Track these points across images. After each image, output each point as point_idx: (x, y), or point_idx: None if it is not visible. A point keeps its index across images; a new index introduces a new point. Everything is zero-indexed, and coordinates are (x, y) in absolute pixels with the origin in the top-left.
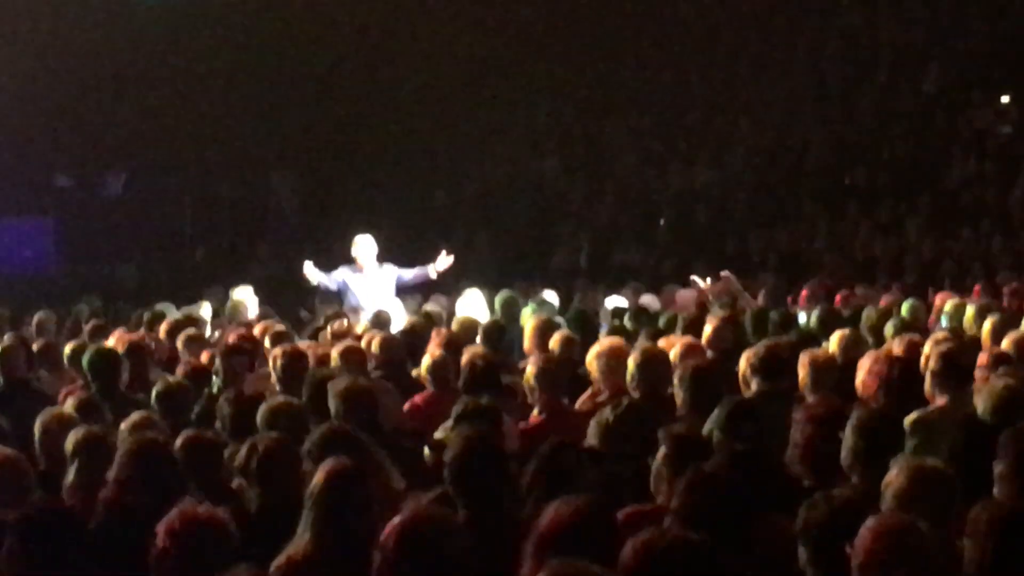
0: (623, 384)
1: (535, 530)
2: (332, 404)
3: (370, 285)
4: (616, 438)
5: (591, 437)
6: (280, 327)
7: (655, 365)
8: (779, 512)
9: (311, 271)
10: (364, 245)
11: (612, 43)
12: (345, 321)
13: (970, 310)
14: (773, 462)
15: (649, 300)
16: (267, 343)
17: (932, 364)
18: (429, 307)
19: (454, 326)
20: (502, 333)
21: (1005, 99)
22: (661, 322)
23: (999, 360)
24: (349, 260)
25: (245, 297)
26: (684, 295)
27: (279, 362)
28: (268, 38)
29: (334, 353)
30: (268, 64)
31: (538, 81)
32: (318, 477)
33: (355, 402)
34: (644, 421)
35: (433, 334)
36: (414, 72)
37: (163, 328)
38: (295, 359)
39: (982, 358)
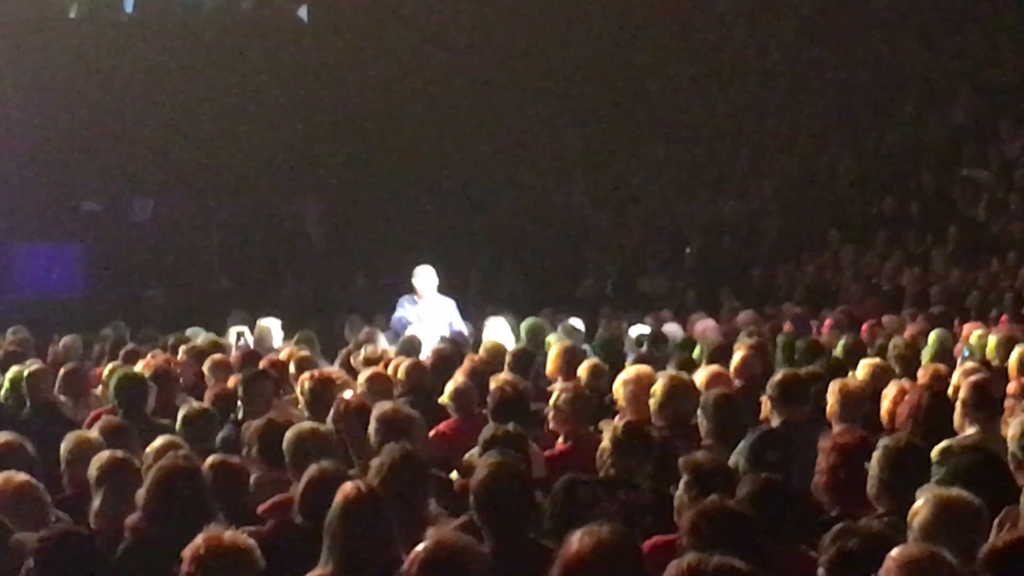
0: (649, 412)
1: (560, 559)
2: (372, 428)
3: (428, 315)
4: (621, 457)
5: (599, 462)
6: (305, 353)
7: (681, 393)
8: (804, 541)
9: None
10: (425, 275)
11: (640, 72)
12: (378, 347)
13: (992, 340)
14: (798, 491)
15: (673, 329)
16: (292, 369)
17: (963, 394)
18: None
19: (482, 352)
20: (531, 360)
21: None
22: (695, 352)
23: None
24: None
25: (271, 325)
26: (706, 324)
27: (307, 386)
28: (296, 66)
29: (360, 379)
30: (296, 92)
31: (566, 110)
32: (336, 502)
33: (393, 429)
34: (646, 439)
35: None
36: (442, 101)
37: (190, 353)
38: (323, 385)
39: (1012, 387)
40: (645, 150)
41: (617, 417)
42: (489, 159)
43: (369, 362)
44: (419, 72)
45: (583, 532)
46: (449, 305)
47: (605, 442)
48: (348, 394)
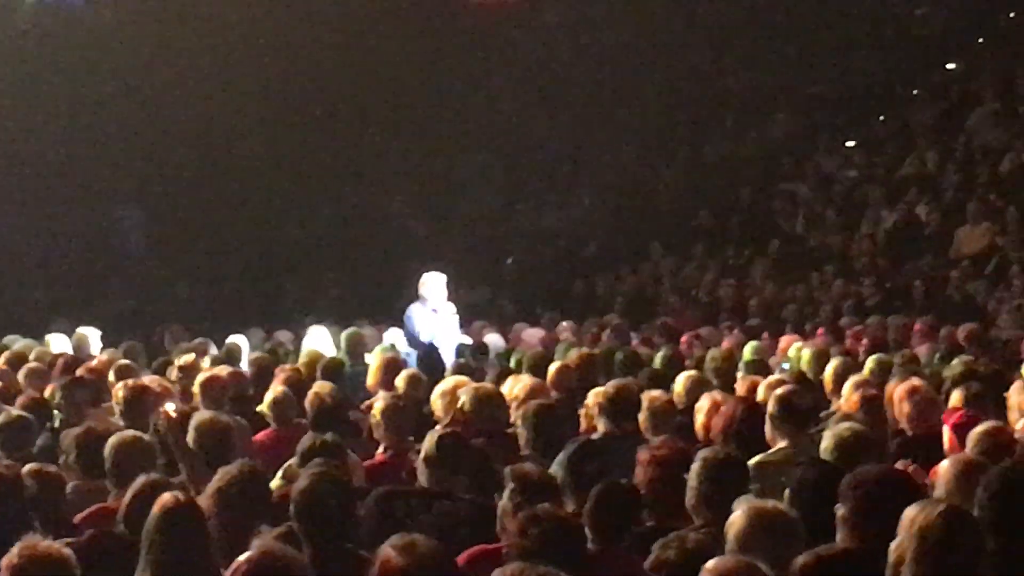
0: None
1: (372, 573)
2: (190, 437)
3: (441, 324)
4: (437, 469)
5: (419, 474)
6: (125, 361)
7: (488, 403)
8: (623, 550)
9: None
10: (438, 284)
11: (462, 82)
12: (192, 356)
13: (807, 353)
14: (637, 499)
15: (494, 339)
16: (112, 377)
17: (770, 408)
18: (274, 344)
19: (301, 361)
20: (340, 370)
21: (850, 144)
22: (512, 361)
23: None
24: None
25: (89, 333)
26: (530, 334)
27: (121, 395)
28: (114, 72)
29: (196, 385)
30: (115, 99)
31: (387, 119)
32: (153, 512)
33: (212, 438)
34: (462, 452)
35: (277, 371)
36: (263, 107)
37: (4, 360)
38: (138, 393)
39: (854, 401)
40: (467, 160)
41: (438, 427)
42: (310, 167)
43: (184, 371)
44: (238, 77)
45: (394, 544)
46: (452, 312)
47: (422, 455)
48: (171, 407)
